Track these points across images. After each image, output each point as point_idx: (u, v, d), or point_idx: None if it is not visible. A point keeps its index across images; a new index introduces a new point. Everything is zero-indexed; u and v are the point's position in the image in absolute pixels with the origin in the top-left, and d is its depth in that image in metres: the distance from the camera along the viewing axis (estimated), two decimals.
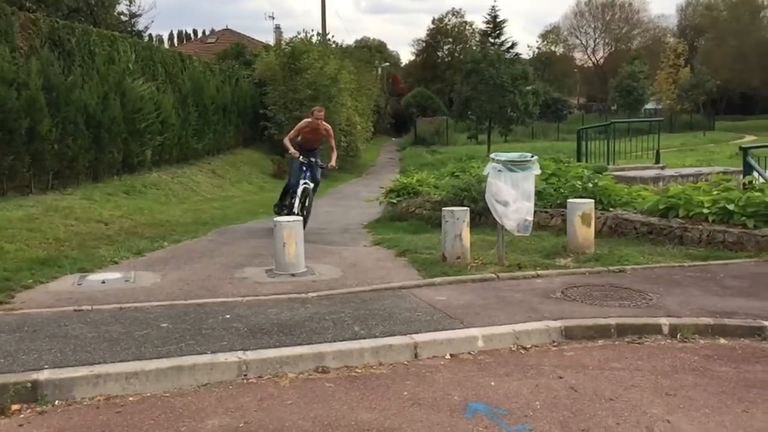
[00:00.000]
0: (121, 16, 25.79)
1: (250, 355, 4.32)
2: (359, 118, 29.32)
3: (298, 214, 9.06)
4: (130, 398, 3.91)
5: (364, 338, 4.66)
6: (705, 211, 8.05)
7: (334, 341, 4.59)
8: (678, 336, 5.00)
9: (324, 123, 9.88)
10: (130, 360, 4.18)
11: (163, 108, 15.55)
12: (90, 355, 4.27)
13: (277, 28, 47.52)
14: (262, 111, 23.91)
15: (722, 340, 4.96)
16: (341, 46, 40.00)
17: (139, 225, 10.45)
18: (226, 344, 4.51)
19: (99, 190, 12.51)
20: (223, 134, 20.79)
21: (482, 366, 4.47)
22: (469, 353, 4.70)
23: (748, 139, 38.53)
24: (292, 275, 6.75)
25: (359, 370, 4.37)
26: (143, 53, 16.47)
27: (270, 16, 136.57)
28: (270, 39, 39.27)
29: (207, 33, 48.00)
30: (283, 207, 10.12)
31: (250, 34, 43.96)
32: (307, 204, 9.67)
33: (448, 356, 4.63)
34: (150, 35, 35.97)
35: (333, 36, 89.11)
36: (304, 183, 9.63)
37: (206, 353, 4.33)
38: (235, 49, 29.54)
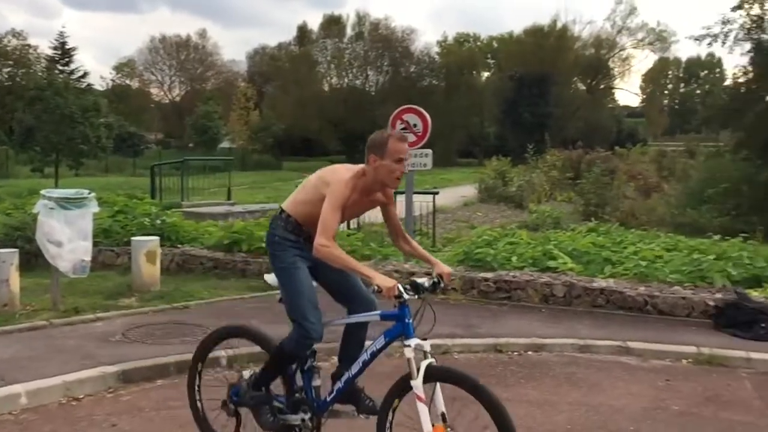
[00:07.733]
0: None
1: None
2: None
3: None
4: None
5: None
6: (263, 244, 8.70)
7: None
8: (234, 365, 5.24)
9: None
10: None
11: None
12: None
13: None
14: None
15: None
16: None
17: None
18: None
19: None
20: None
21: (24, 426, 4.05)
22: (11, 413, 4.21)
23: None
24: None
25: None
26: None
27: None
28: None
29: None
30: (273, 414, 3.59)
31: None
32: None
33: None
34: None
35: None
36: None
37: None
38: None
